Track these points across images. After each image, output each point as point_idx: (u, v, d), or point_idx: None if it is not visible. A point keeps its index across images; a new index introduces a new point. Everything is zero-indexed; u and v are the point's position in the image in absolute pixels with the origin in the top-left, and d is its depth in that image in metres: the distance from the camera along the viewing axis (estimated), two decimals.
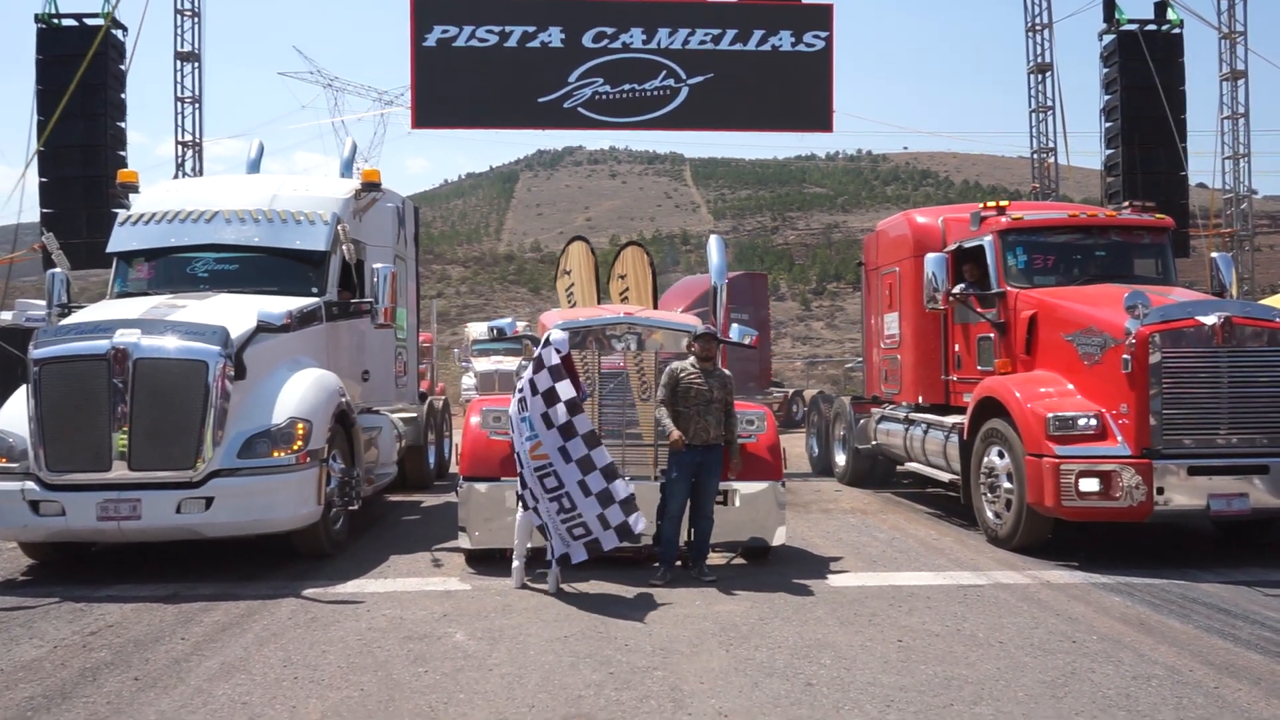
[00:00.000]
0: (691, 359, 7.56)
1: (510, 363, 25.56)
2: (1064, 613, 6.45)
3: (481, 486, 7.74)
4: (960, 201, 12.06)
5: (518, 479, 7.08)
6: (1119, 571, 7.58)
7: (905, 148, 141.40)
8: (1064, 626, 6.11)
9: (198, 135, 19.40)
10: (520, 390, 7.03)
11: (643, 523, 6.91)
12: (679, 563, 7.64)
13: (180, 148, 19.22)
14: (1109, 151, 19.68)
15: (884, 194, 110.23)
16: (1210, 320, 7.73)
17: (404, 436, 11.41)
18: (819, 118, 18.07)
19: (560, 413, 6.74)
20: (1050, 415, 7.96)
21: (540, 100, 17.53)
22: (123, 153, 17.08)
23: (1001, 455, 8.58)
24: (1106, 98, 19.59)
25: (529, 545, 7.27)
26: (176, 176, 18.50)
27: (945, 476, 10.05)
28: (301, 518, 7.73)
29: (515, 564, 7.28)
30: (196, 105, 19.41)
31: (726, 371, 7.79)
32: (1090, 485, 7.71)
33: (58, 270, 9.86)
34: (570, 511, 6.82)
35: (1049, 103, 21.40)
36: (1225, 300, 8.85)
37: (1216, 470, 7.71)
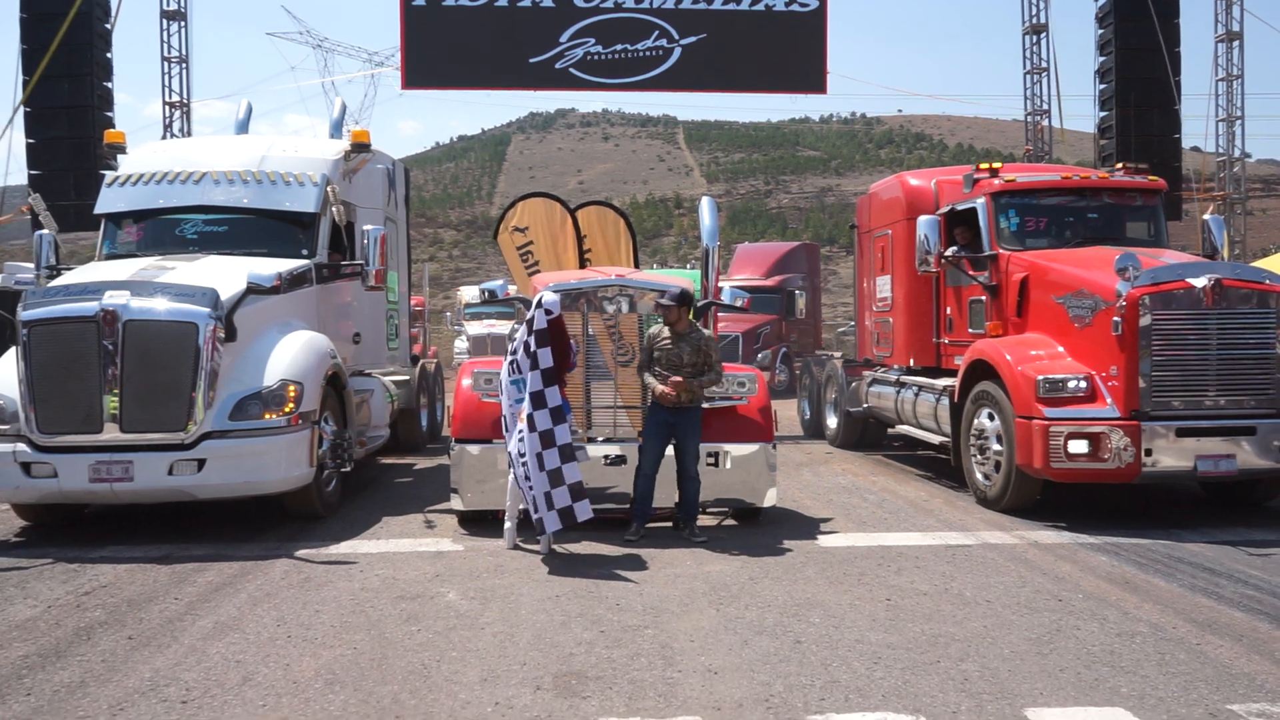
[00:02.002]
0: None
1: (503, 326, 25.50)
2: (1051, 572, 6.52)
3: (473, 449, 7.75)
4: (954, 165, 12.04)
5: (505, 441, 7.09)
6: (1106, 532, 7.66)
7: (899, 110, 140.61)
8: (1051, 585, 6.18)
9: (185, 96, 19.21)
10: (513, 353, 7.03)
11: (588, 512, 6.75)
12: (670, 524, 7.70)
13: (168, 108, 19.03)
14: (1103, 114, 19.59)
15: (878, 157, 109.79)
16: (1201, 282, 7.74)
17: (396, 399, 11.42)
18: (812, 79, 17.93)
19: (536, 380, 6.75)
20: (1040, 378, 7.99)
21: (531, 61, 17.36)
22: (109, 113, 16.91)
23: (992, 417, 8.62)
24: (1101, 59, 19.47)
25: (520, 507, 7.30)
26: (164, 138, 18.33)
27: (935, 439, 10.10)
28: (294, 479, 7.75)
29: (507, 525, 7.31)
30: (184, 65, 19.19)
31: (705, 332, 7.74)
32: (1079, 447, 7.75)
33: (45, 232, 9.80)
34: (526, 481, 6.82)
35: (1043, 64, 21.28)
36: (1216, 262, 8.84)
37: (1204, 432, 7.76)
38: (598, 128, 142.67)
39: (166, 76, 18.99)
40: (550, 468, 6.70)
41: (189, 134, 19.03)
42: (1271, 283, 7.99)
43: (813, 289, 24.41)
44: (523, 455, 6.77)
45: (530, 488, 6.79)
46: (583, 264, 11.08)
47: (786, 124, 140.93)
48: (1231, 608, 5.70)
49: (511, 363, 7.01)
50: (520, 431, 6.81)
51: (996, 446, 8.52)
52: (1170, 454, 7.73)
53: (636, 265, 11.10)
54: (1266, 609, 5.67)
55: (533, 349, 6.78)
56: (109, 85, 16.97)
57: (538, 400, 6.72)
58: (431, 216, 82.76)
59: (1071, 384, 7.95)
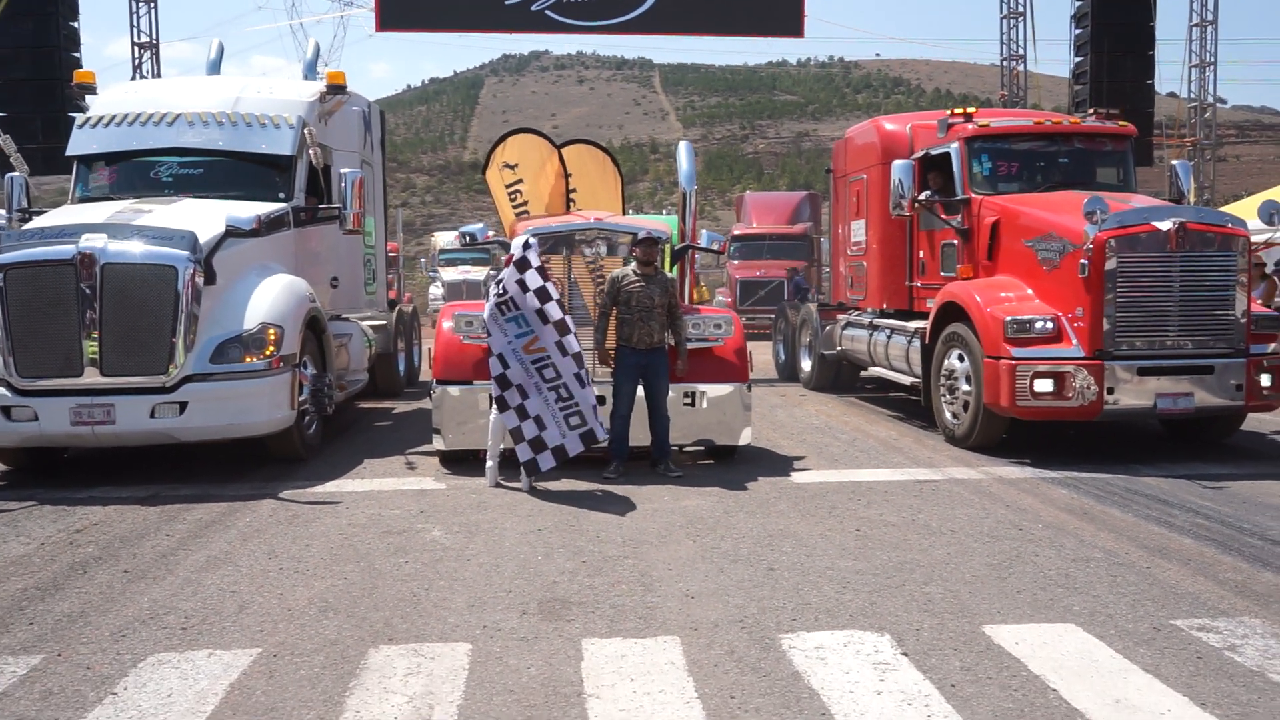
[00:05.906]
0: (634, 265, 7.68)
1: (478, 272, 25.44)
2: (1013, 504, 6.79)
3: (454, 390, 7.88)
4: (931, 109, 12.00)
5: (491, 382, 7.20)
6: (1068, 467, 7.94)
7: (877, 55, 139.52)
8: (1012, 516, 6.45)
9: (154, 36, 18.83)
10: (500, 292, 7.11)
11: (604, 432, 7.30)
12: (648, 461, 7.89)
13: (136, 49, 18.67)
14: (1078, 59, 19.67)
15: (855, 102, 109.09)
16: (1165, 225, 7.94)
17: (374, 344, 11.48)
18: (790, 22, 17.88)
19: (554, 310, 7.05)
20: (1008, 319, 8.20)
21: (507, 3, 17.16)
22: (76, 54, 16.57)
23: (961, 358, 8.84)
24: (1077, 4, 19.48)
25: (503, 446, 7.46)
26: (134, 79, 18.01)
27: (907, 380, 10.34)
28: (275, 422, 7.85)
29: (489, 464, 7.48)
30: (152, 4, 18.78)
31: (669, 275, 7.93)
32: (1044, 386, 8.00)
33: (16, 174, 9.70)
34: (568, 400, 7.09)
35: (1020, 8, 21.25)
36: (1181, 206, 9.06)
37: (1165, 371, 8.02)
38: (572, 70, 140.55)
39: (134, 16, 18.59)
40: (588, 385, 7.12)
41: (158, 75, 18.70)
42: (1234, 226, 8.21)
43: (818, 234, 25.28)
44: (555, 380, 7.06)
45: (560, 410, 7.10)
46: (568, 205, 11.08)
47: (763, 68, 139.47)
48: (1182, 535, 5.99)
49: (501, 301, 7.09)
50: (544, 359, 7.05)
51: (965, 386, 8.76)
52: (1131, 392, 7.99)
53: (625, 208, 11.10)
54: (1214, 535, 5.96)
55: (537, 284, 7.06)
56: (75, 25, 16.61)
57: (561, 327, 7.05)
58: (404, 161, 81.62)
59: (1038, 325, 8.16)
